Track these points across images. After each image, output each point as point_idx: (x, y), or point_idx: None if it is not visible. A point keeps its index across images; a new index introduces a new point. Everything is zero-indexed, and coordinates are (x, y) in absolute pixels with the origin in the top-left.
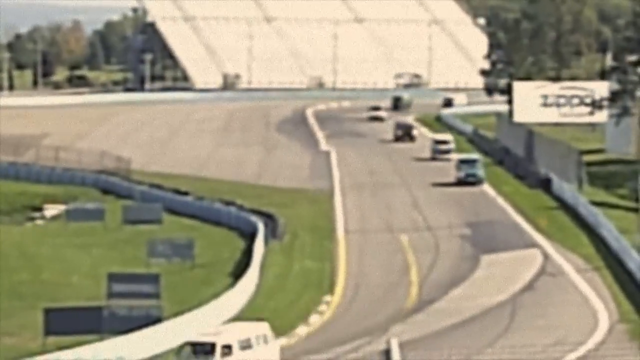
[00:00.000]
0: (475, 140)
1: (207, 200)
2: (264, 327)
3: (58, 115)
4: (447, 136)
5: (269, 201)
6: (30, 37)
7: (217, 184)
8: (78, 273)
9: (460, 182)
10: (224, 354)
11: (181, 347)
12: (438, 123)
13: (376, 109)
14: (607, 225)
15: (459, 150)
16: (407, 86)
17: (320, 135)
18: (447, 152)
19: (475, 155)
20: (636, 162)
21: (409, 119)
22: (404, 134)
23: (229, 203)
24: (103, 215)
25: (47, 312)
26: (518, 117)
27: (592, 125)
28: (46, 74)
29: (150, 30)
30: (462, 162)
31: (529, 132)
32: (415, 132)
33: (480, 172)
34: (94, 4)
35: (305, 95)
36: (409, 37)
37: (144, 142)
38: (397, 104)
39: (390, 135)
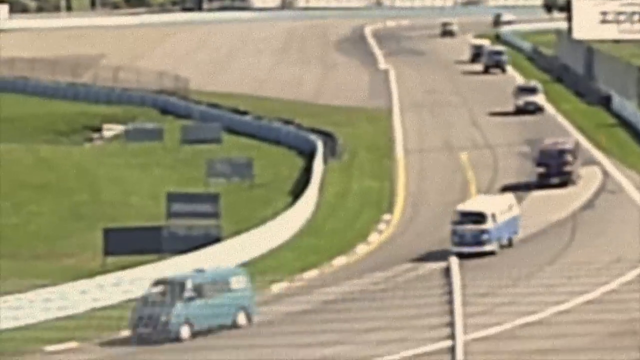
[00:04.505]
0: (534, 58)
1: (265, 119)
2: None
3: (116, 35)
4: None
5: (327, 120)
6: None
7: (276, 103)
8: (137, 193)
9: None
10: None
11: None
12: (497, 41)
13: None
14: None
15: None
16: (465, 4)
17: (378, 53)
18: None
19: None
20: None
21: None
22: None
23: (287, 122)
24: (162, 135)
25: (107, 232)
26: (577, 34)
27: None
28: None
29: None
30: None
31: (589, 49)
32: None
33: None
34: None
35: (363, 14)
36: None
37: (202, 61)
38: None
39: (456, 55)
